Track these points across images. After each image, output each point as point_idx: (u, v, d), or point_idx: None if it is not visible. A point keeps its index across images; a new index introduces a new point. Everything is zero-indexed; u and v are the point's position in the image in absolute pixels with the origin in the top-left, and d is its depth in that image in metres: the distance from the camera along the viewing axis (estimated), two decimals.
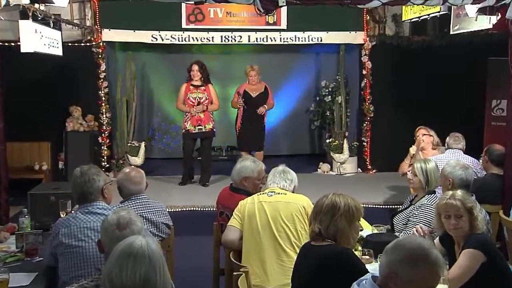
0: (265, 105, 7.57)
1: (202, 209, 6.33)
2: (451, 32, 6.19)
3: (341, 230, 2.65)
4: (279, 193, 3.60)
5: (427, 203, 3.82)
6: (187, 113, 7.34)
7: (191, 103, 7.30)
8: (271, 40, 8.12)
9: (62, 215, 3.73)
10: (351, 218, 2.68)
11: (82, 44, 7.78)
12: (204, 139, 7.44)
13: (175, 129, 8.83)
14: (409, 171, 4.17)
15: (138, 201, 3.70)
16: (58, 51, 6.13)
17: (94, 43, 7.81)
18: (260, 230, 3.46)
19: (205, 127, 7.32)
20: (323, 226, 2.67)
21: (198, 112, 7.27)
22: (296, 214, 3.45)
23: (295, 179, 3.75)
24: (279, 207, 3.49)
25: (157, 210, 3.76)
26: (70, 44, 7.46)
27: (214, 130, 7.48)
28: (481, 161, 5.18)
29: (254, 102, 7.53)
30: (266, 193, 3.63)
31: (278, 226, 3.43)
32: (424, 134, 5.74)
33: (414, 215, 3.82)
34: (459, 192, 3.17)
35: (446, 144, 5.46)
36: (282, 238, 3.41)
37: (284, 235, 3.41)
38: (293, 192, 3.70)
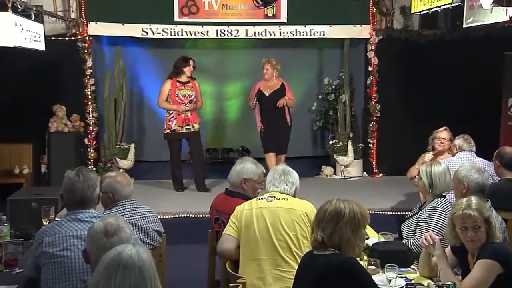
0: (285, 97, 7.37)
1: (196, 215, 6.33)
2: (464, 25, 6.18)
3: (345, 239, 2.65)
4: (279, 198, 3.56)
5: (437, 206, 3.83)
6: (170, 112, 7.22)
7: (180, 101, 7.22)
8: (270, 35, 8.12)
9: (45, 223, 3.72)
10: (356, 226, 2.68)
11: (67, 38, 7.77)
12: (192, 139, 7.34)
13: None
14: (418, 174, 4.17)
15: (126, 207, 3.69)
16: (40, 46, 6.13)
17: (79, 37, 7.79)
18: (259, 239, 3.44)
19: (193, 126, 7.24)
20: (326, 234, 2.66)
21: (187, 110, 7.18)
22: (298, 221, 3.43)
23: (297, 180, 3.72)
24: (279, 214, 3.46)
25: (147, 216, 3.77)
26: (53, 38, 7.47)
27: (199, 131, 7.37)
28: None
29: (268, 101, 7.39)
30: (265, 198, 3.59)
31: (278, 235, 3.41)
32: (444, 138, 5.69)
33: (423, 219, 3.84)
34: (474, 200, 3.14)
35: (457, 147, 5.46)
36: (282, 247, 3.38)
37: (284, 244, 3.39)
38: (294, 195, 3.66)
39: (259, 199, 3.63)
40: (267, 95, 7.41)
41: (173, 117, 7.21)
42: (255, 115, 7.55)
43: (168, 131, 7.27)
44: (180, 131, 7.22)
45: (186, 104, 7.17)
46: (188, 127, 7.21)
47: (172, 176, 7.47)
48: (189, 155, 8.00)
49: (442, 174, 3.95)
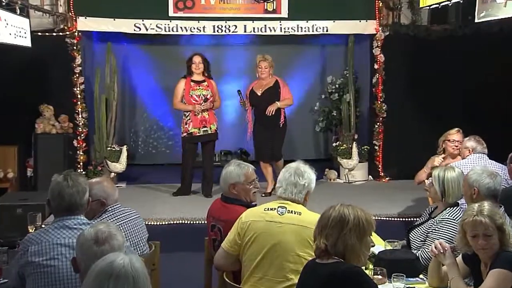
0: (276, 102, 7.18)
1: (192, 222, 6.33)
2: (476, 20, 6.18)
3: (350, 246, 2.63)
4: (292, 211, 3.40)
5: (449, 217, 3.81)
6: (186, 113, 7.20)
7: (195, 101, 7.16)
8: (270, 30, 8.13)
9: (30, 230, 3.71)
10: (362, 233, 2.66)
11: (54, 34, 7.76)
12: (208, 143, 7.29)
13: (162, 131, 8.84)
14: (427, 179, 4.16)
15: (116, 212, 3.71)
16: (26, 42, 6.13)
17: (67, 32, 7.79)
18: (266, 257, 3.33)
19: (210, 128, 7.20)
20: (330, 242, 2.64)
21: (204, 110, 7.12)
22: (311, 241, 3.14)
23: (310, 183, 3.54)
24: (292, 232, 3.32)
25: (135, 219, 3.79)
26: (40, 33, 7.46)
27: (217, 131, 7.35)
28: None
29: (260, 101, 7.26)
30: (275, 208, 3.44)
31: (289, 256, 3.28)
32: (458, 141, 5.68)
33: (433, 230, 3.81)
34: (486, 206, 3.10)
35: (469, 149, 5.45)
36: (291, 270, 3.27)
37: (294, 266, 3.25)
38: (305, 198, 3.53)
39: (268, 209, 3.46)
40: (258, 94, 7.30)
41: (189, 119, 7.18)
42: (247, 121, 7.46)
43: (185, 134, 7.23)
44: (198, 134, 7.18)
45: (201, 104, 7.12)
46: (205, 129, 7.18)
47: (181, 180, 7.41)
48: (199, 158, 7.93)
49: (456, 181, 3.92)
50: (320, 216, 2.77)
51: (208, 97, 7.18)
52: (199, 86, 7.21)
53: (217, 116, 7.46)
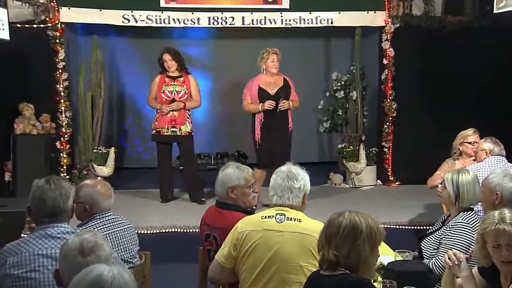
0: (287, 101, 7.01)
1: (185, 230, 6.33)
2: (495, 11, 6.20)
3: (364, 258, 2.63)
4: (291, 219, 3.39)
5: (463, 221, 3.81)
6: (158, 110, 7.25)
7: (165, 98, 7.21)
8: (271, 23, 8.14)
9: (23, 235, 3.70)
10: (374, 243, 2.66)
11: (35, 26, 7.76)
12: (182, 144, 7.35)
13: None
14: (441, 183, 4.15)
15: (104, 220, 3.70)
16: (4, 34, 6.13)
17: (49, 24, 7.78)
18: (266, 269, 3.31)
19: (180, 129, 7.21)
20: (342, 253, 2.62)
21: (170, 111, 7.14)
22: (313, 250, 3.22)
23: (305, 184, 3.52)
24: (293, 241, 3.31)
25: (126, 229, 3.78)
26: (19, 25, 7.46)
27: (192, 133, 7.34)
28: None
29: (274, 101, 6.97)
30: (273, 215, 3.43)
31: (290, 267, 3.27)
32: (476, 142, 5.68)
33: (446, 236, 3.81)
34: (508, 213, 3.05)
35: (486, 151, 5.45)
36: (292, 283, 3.25)
37: (295, 278, 3.24)
38: (303, 202, 3.53)
39: (266, 216, 3.45)
40: (272, 94, 7.04)
41: (158, 116, 7.25)
42: (256, 123, 7.07)
43: (154, 131, 7.33)
44: (166, 133, 7.22)
45: (169, 103, 7.14)
46: (174, 129, 7.20)
47: (159, 184, 7.49)
48: (177, 162, 7.98)
49: (471, 184, 3.91)
50: (327, 224, 2.75)
51: (179, 94, 7.19)
52: (173, 82, 7.25)
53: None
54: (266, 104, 6.91)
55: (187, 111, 7.30)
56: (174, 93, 7.22)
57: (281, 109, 6.96)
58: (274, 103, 6.91)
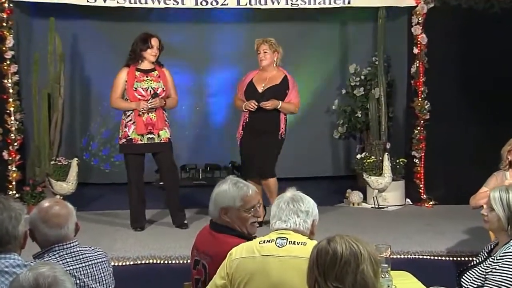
0: (275, 100, 7.07)
1: (166, 261, 6.29)
2: None
3: (372, 285, 2.73)
4: (294, 242, 3.48)
5: None
6: (128, 113, 7.12)
7: (141, 97, 7.10)
8: (272, 3, 8.12)
9: None
10: (377, 268, 2.77)
11: None
12: (161, 154, 7.24)
13: None
14: (486, 203, 4.16)
15: (65, 252, 3.60)
16: None
17: None
18: None
19: (158, 135, 7.11)
20: (348, 282, 2.71)
21: (151, 110, 7.05)
22: None
23: (313, 209, 3.62)
24: (295, 268, 3.35)
25: (97, 263, 3.70)
26: None
27: (171, 140, 7.27)
28: None
29: (259, 100, 7.10)
30: (273, 239, 3.51)
31: None
32: None
33: (494, 270, 3.79)
34: None
35: None
36: None
37: None
38: (312, 231, 3.60)
39: (264, 241, 3.54)
40: (259, 91, 7.19)
41: (130, 121, 7.11)
42: (241, 121, 7.31)
43: (123, 140, 7.17)
44: (140, 142, 7.11)
45: (148, 100, 7.04)
46: (151, 135, 7.10)
47: (129, 207, 7.38)
48: (157, 176, 7.89)
49: None
50: (315, 254, 2.81)
51: (159, 91, 7.13)
52: (146, 77, 7.15)
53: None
54: (247, 104, 7.07)
55: (165, 111, 7.24)
56: (150, 91, 7.11)
57: (266, 107, 7.05)
58: (256, 105, 7.01)
